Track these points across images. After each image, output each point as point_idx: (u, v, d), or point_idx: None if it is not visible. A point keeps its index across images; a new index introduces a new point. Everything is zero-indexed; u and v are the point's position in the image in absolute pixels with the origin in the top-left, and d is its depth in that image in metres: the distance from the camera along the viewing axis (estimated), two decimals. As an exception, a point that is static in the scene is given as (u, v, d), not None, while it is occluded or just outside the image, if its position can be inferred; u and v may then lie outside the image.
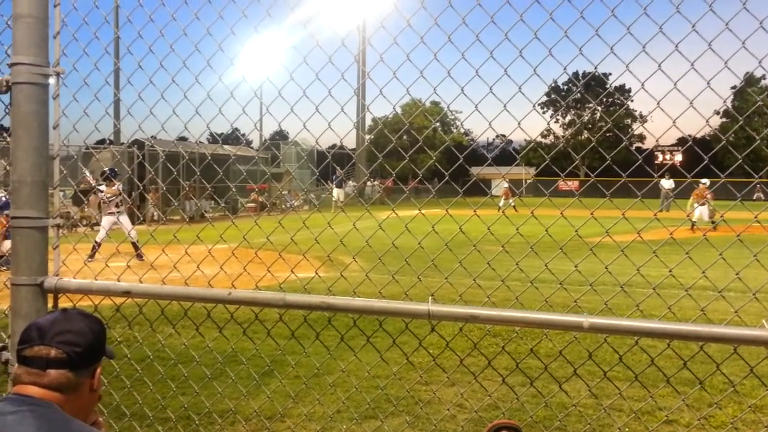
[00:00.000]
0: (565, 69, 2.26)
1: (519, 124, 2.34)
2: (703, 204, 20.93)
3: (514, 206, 28.95)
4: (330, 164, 31.88)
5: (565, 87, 56.82)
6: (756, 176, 2.42)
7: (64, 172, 3.00)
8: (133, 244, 13.38)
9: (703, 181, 20.71)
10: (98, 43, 2.92)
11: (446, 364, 5.91)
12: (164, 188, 24.21)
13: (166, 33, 2.81)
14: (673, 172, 33.01)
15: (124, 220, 14.45)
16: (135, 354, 4.56)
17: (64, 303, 2.68)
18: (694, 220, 20.45)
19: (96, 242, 13.72)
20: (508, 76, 2.29)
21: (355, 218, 2.78)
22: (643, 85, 2.19)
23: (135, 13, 2.97)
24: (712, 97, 2.26)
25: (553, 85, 2.42)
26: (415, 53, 2.58)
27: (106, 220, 14.36)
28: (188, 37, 2.73)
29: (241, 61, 3.04)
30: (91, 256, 12.82)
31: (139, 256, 12.57)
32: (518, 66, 2.49)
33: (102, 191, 14.40)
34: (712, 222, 20.07)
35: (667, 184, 30.90)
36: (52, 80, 2.72)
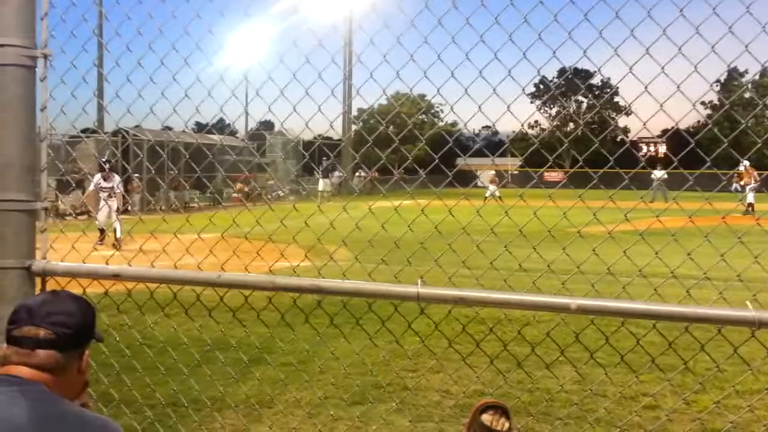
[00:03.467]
0: (554, 53, 2.28)
1: (508, 107, 2.36)
2: (749, 184, 20.86)
3: (499, 197, 29.03)
4: (316, 155, 31.78)
5: (553, 78, 56.88)
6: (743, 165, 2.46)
7: (51, 155, 2.98)
8: (101, 230, 14.00)
9: (745, 162, 20.13)
10: (86, 25, 2.90)
11: (434, 350, 5.95)
12: (148, 178, 24.06)
13: (155, 15, 2.79)
14: (664, 163, 33.30)
15: (111, 205, 14.74)
16: (123, 339, 4.55)
17: (52, 288, 2.67)
18: (750, 201, 20.24)
19: (99, 230, 14.44)
20: (497, 59, 2.31)
21: (341, 208, 2.80)
22: (631, 69, 2.22)
23: (123, -4, 2.94)
24: (697, 90, 2.30)
25: (540, 68, 2.43)
26: (404, 39, 2.58)
27: (101, 211, 14.71)
28: (177, 20, 2.72)
29: (229, 44, 3.03)
30: (101, 241, 13.46)
31: (101, 242, 13.48)
32: (507, 52, 2.51)
33: (100, 183, 14.73)
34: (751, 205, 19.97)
35: (659, 174, 31.10)
36: (39, 62, 2.70)
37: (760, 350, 2.71)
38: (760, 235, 2.51)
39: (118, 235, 13.97)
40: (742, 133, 2.67)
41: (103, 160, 15.91)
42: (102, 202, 14.79)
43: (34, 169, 2.69)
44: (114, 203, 14.79)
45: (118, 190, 15.11)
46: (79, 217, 17.58)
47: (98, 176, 15.01)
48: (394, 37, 2.50)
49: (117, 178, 15.46)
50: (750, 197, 20.72)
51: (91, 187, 15.27)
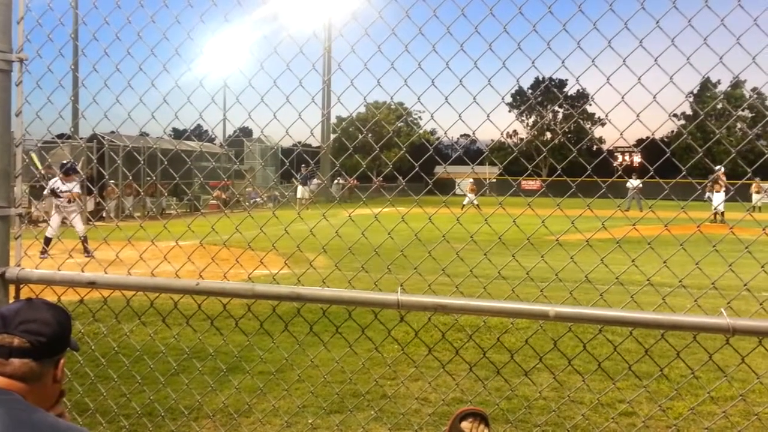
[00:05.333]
0: (533, 63, 2.31)
1: (488, 116, 2.38)
2: (719, 191, 20.89)
3: (477, 205, 29.18)
4: (294, 162, 31.66)
5: (530, 90, 57.47)
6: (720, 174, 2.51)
7: (26, 160, 2.94)
8: (83, 239, 13.01)
9: (718, 167, 20.20)
10: (63, 29, 2.87)
11: (413, 358, 5.95)
12: (125, 183, 23.77)
13: (133, 20, 2.77)
14: (639, 171, 33.88)
15: (74, 217, 13.99)
16: (98, 348, 4.49)
17: (26, 295, 2.62)
18: (715, 210, 20.18)
19: (46, 237, 13.32)
20: (477, 68, 2.33)
21: (321, 215, 2.80)
22: (608, 79, 2.25)
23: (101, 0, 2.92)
24: (672, 100, 2.34)
25: (519, 77, 2.46)
26: (384, 47, 2.59)
27: (56, 216, 13.90)
28: (156, 25, 2.70)
29: (209, 51, 3.01)
30: (44, 252, 12.44)
31: (87, 251, 12.26)
32: (487, 61, 2.53)
33: (58, 187, 13.82)
34: (721, 213, 19.93)
35: (635, 183, 31.53)
36: (15, 66, 2.66)
37: (734, 357, 2.75)
38: (733, 244, 2.55)
39: (87, 244, 12.75)
40: (714, 142, 2.73)
41: (64, 162, 14.52)
42: (57, 208, 13.65)
43: (9, 174, 2.65)
44: (74, 207, 13.75)
45: (76, 190, 13.92)
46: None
47: (56, 180, 13.77)
48: (374, 45, 2.51)
49: (75, 181, 13.82)
50: (720, 206, 20.94)
51: (47, 192, 13.89)
